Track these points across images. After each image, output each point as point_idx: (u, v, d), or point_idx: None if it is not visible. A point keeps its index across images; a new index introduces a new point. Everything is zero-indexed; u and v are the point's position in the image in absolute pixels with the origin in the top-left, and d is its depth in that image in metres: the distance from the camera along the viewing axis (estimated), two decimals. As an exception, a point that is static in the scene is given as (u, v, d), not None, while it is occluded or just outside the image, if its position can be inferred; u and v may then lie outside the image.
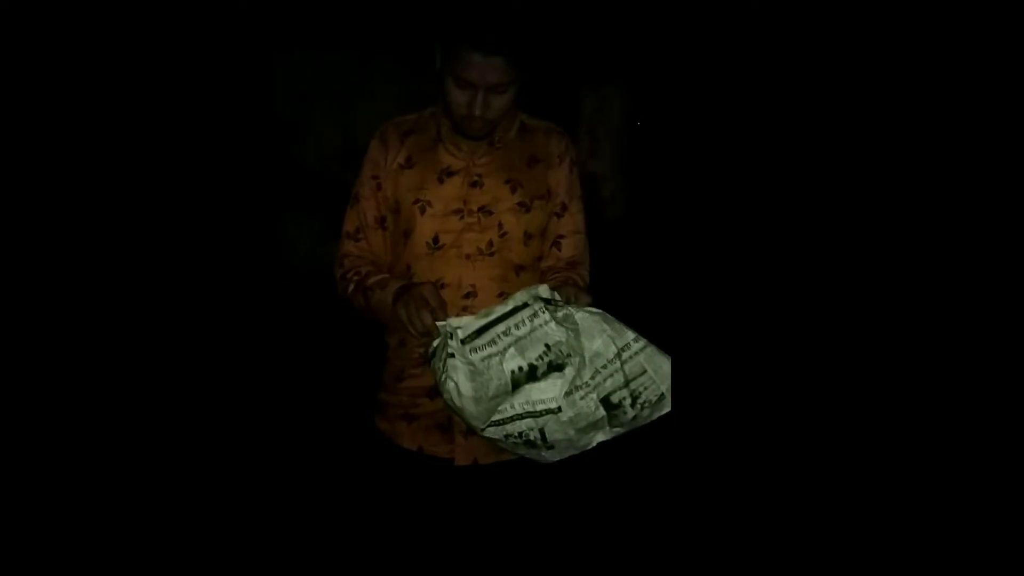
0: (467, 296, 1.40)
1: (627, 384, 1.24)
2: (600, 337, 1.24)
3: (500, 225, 1.40)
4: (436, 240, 1.40)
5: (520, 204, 1.42)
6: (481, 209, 1.40)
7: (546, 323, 1.24)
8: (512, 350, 1.23)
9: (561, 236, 1.48)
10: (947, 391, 2.99)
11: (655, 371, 1.25)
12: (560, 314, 1.25)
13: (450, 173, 1.41)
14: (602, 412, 1.24)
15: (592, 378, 1.23)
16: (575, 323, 1.24)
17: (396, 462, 1.47)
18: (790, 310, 3.64)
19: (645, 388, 1.25)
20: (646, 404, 1.26)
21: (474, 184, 1.40)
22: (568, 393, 1.22)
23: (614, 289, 1.53)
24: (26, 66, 3.30)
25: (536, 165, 1.45)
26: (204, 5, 3.56)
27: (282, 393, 2.97)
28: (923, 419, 2.89)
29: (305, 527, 2.27)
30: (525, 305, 1.24)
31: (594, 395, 1.24)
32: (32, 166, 3.34)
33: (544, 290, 1.28)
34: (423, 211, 1.40)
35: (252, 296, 3.57)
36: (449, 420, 1.40)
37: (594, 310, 1.26)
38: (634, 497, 2.48)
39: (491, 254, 1.40)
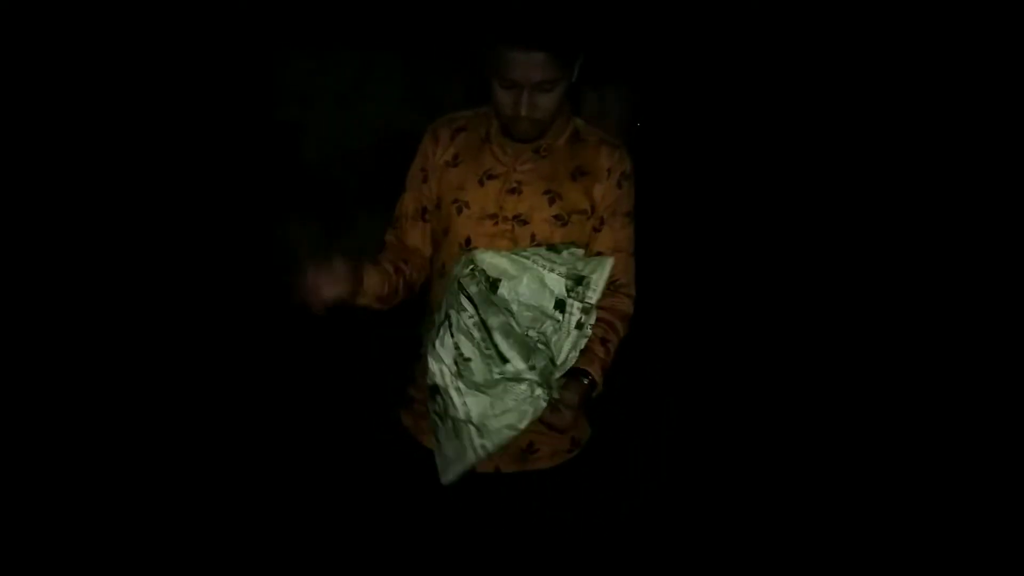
0: None
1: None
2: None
3: (533, 236, 1.37)
4: (468, 243, 1.38)
5: (556, 217, 1.37)
6: (516, 217, 1.37)
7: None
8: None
9: (599, 253, 1.42)
10: (947, 391, 2.99)
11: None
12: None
13: (491, 176, 1.39)
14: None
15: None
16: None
17: (417, 460, 1.47)
18: (792, 310, 3.63)
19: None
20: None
21: (512, 191, 1.38)
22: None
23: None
24: (22, 67, 3.30)
25: (582, 178, 1.39)
26: (203, 5, 3.56)
27: (285, 393, 2.97)
28: (923, 419, 2.89)
29: (322, 522, 2.29)
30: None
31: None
32: (29, 167, 3.34)
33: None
34: (459, 212, 1.39)
35: (251, 297, 3.56)
36: None
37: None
38: (651, 517, 2.45)
39: None
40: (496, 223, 1.37)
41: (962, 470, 2.60)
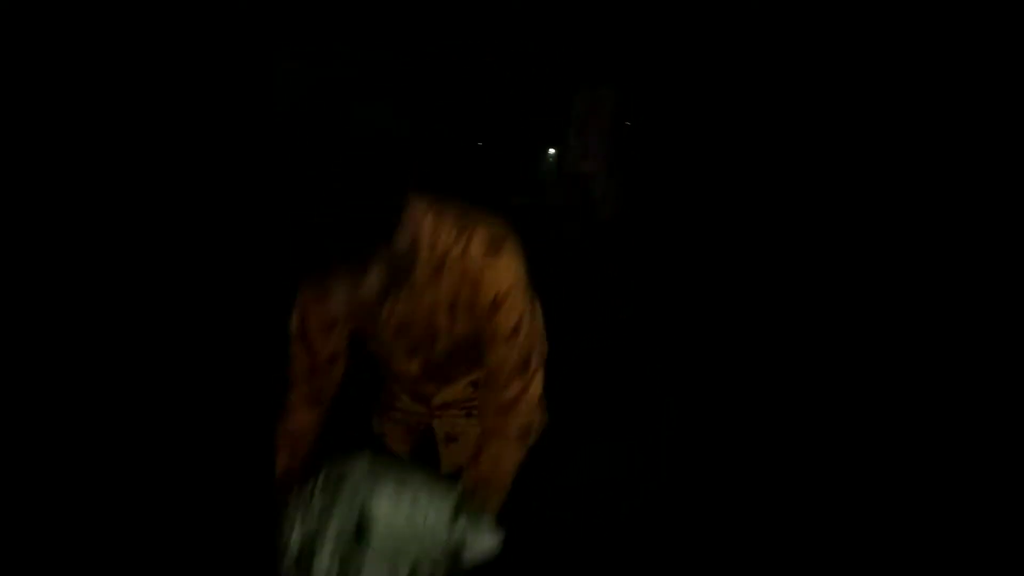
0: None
1: None
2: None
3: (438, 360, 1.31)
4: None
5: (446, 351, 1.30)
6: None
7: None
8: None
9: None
10: (947, 391, 2.99)
11: None
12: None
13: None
14: None
15: None
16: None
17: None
18: (791, 308, 3.63)
19: None
20: None
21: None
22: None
23: (607, 289, 1.50)
24: (22, 67, 3.28)
25: (453, 310, 1.23)
26: (202, 8, 3.54)
27: (269, 393, 2.95)
28: (923, 419, 2.89)
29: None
30: None
31: None
32: (29, 168, 3.32)
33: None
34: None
35: (246, 298, 3.54)
36: (430, 427, 1.39)
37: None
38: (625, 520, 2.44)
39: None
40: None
41: (962, 470, 2.59)
